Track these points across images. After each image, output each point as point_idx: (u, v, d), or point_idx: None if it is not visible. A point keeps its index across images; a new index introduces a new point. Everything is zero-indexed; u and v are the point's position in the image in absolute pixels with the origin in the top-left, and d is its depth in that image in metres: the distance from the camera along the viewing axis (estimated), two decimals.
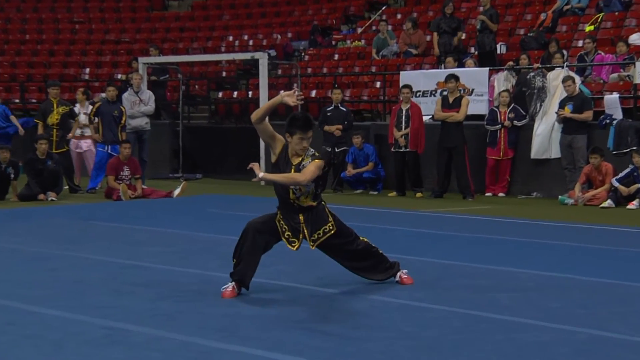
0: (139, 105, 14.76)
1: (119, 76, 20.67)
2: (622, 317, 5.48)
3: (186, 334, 5.03)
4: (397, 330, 5.14)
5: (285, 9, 23.61)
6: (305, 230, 6.09)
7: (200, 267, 7.25)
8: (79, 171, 14.65)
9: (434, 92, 14.69)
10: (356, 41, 20.13)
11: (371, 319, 5.43)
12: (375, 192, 14.29)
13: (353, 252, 6.27)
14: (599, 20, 16.65)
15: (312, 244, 6.13)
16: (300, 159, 6.07)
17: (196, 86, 20.51)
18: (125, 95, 14.89)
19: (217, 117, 19.44)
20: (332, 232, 6.12)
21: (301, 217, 6.09)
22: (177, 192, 13.54)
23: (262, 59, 16.28)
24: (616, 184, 12.13)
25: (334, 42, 20.84)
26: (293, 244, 6.11)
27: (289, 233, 6.09)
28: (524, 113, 13.74)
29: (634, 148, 12.37)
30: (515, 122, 13.61)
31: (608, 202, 12.03)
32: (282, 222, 6.12)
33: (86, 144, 14.57)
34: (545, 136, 13.51)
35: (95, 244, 8.65)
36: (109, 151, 14.01)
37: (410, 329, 5.17)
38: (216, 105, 19.67)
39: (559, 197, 12.72)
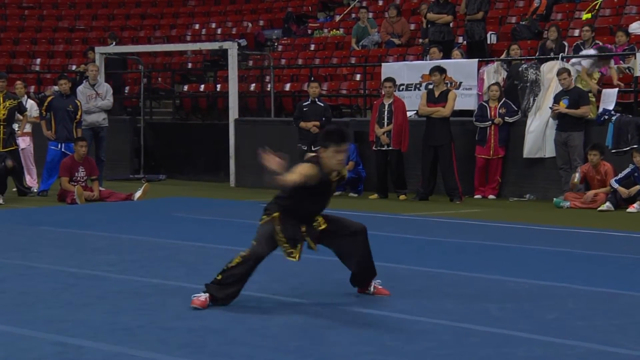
0: (95, 99, 14.65)
1: (73, 67, 20.53)
2: (622, 329, 5.52)
3: (148, 350, 4.99)
4: (379, 345, 5.13)
5: None
6: (308, 239, 6.18)
7: (163, 276, 7.20)
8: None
9: (418, 86, 14.73)
10: (334, 30, 20.14)
11: (350, 333, 5.42)
12: (356, 194, 14.30)
13: (350, 233, 6.30)
14: (596, 7, 16.79)
15: (313, 245, 6.21)
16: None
17: (159, 79, 20.44)
18: (80, 89, 14.76)
19: (182, 113, 19.38)
20: (325, 226, 6.21)
21: (303, 229, 6.15)
22: (138, 194, 13.47)
23: (232, 49, 16.25)
24: (615, 186, 12.23)
25: (309, 31, 20.85)
26: (292, 255, 6.15)
27: (287, 245, 6.13)
28: (516, 108, 13.81)
29: (635, 146, 12.47)
30: (507, 118, 13.68)
31: (607, 205, 12.12)
32: (280, 235, 6.12)
33: (24, 142, 14.46)
34: (539, 133, 13.59)
35: (46, 251, 8.57)
36: (63, 150, 13.91)
37: (393, 344, 5.16)
38: (181, 100, 19.60)
39: (554, 199, 12.80)
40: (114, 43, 19.35)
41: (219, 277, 6.06)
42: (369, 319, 5.79)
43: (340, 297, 6.40)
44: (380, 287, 6.48)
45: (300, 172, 5.86)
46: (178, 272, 7.40)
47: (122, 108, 19.08)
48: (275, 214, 6.15)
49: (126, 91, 20.07)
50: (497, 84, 13.97)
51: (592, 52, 13.54)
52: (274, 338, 5.28)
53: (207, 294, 6.05)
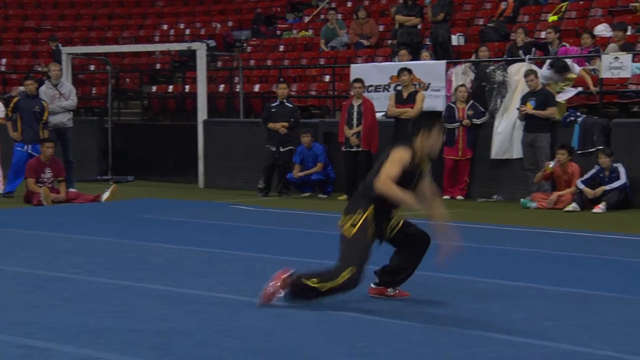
0: (59, 99, 14.42)
1: (40, 68, 20.31)
2: (590, 329, 5.55)
3: (115, 352, 4.94)
4: (349, 347, 5.12)
5: None
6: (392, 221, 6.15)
7: (131, 278, 7.14)
8: None
9: (387, 87, 14.75)
10: (303, 31, 20.13)
11: (320, 334, 5.41)
12: (325, 196, 14.29)
13: (416, 238, 6.29)
14: (562, 9, 16.94)
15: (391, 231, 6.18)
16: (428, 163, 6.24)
17: (127, 79, 20.29)
18: (42, 89, 14.48)
19: (151, 114, 19.26)
20: (400, 223, 6.28)
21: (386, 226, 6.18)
22: (105, 196, 13.36)
23: (200, 49, 16.18)
24: (581, 186, 12.34)
25: (278, 32, 20.82)
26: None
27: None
28: (483, 110, 13.88)
29: (600, 147, 12.59)
30: (474, 120, 13.74)
31: (573, 206, 12.22)
32: (373, 226, 6.05)
33: None
34: (507, 135, 13.67)
35: (12, 253, 8.46)
36: (29, 151, 13.76)
37: (363, 345, 5.15)
38: (149, 100, 19.48)
39: (521, 200, 12.88)
40: (58, 44, 19.14)
41: (315, 285, 5.91)
42: (340, 320, 5.77)
43: None
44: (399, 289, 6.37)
45: (399, 160, 5.98)
46: (146, 274, 7.34)
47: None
48: (369, 209, 6.03)
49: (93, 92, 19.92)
50: (464, 85, 14.04)
51: (546, 69, 13.65)
52: (244, 340, 5.25)
53: (279, 283, 5.94)
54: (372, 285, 6.42)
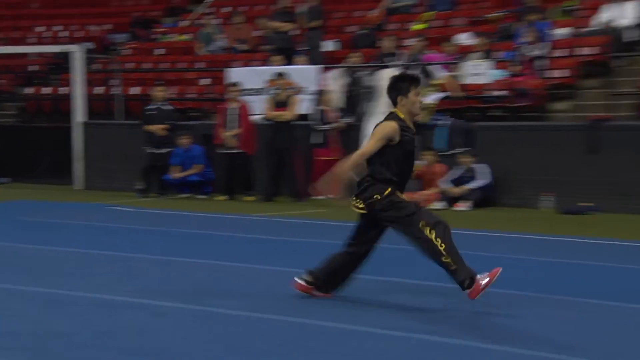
0: None
1: None
2: (448, 320, 5.77)
3: None
4: (226, 344, 5.14)
5: None
6: None
7: (6, 281, 6.93)
8: None
9: (264, 91, 14.85)
10: (180, 35, 19.97)
11: (198, 333, 5.41)
12: (203, 196, 14.26)
13: None
14: (427, 18, 17.45)
15: None
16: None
17: (2, 81, 19.62)
18: None
19: (26, 115, 18.73)
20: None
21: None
22: None
23: (76, 52, 15.85)
24: (444, 186, 12.80)
25: (156, 36, 20.58)
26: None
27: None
28: (352, 113, 14.18)
29: (463, 149, 13.08)
30: (343, 122, 14.01)
31: (441, 204, 12.64)
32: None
33: None
34: None
35: None
36: None
37: (240, 342, 5.19)
38: (25, 102, 18.92)
39: None
40: None
41: (448, 260, 5.97)
42: (218, 319, 5.77)
43: (186, 296, 6.35)
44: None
45: (380, 134, 6.01)
46: (22, 276, 7.15)
47: None
48: (388, 190, 6.12)
49: None
50: (334, 90, 14.32)
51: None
52: (122, 340, 5.19)
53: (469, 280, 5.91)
54: (299, 280, 6.33)
